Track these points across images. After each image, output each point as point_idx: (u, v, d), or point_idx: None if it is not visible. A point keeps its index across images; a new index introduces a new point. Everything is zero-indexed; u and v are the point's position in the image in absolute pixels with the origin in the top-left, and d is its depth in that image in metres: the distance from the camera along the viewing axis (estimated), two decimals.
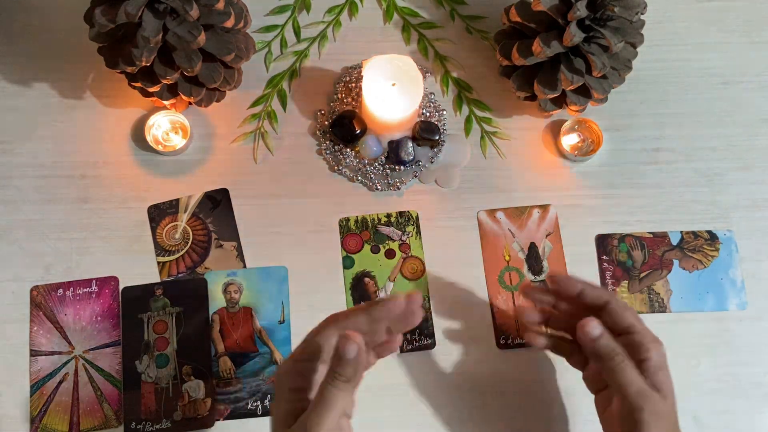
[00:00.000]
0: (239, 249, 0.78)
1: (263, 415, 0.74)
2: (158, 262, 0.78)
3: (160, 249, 0.78)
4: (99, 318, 0.76)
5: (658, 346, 0.64)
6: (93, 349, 0.75)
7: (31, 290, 0.76)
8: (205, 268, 0.78)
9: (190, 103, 0.82)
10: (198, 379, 0.74)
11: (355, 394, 0.59)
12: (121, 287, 0.77)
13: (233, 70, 0.79)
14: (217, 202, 0.80)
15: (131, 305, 0.76)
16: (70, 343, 0.75)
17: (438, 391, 0.76)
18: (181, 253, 0.78)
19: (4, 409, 0.74)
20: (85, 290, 0.76)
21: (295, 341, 0.76)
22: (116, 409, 0.74)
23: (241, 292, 0.77)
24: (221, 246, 0.78)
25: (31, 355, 0.75)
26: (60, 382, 0.74)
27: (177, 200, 0.80)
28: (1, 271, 0.77)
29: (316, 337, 0.59)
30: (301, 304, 0.77)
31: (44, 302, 0.76)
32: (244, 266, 0.78)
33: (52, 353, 0.75)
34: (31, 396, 0.74)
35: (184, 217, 0.79)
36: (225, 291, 0.77)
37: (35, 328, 0.75)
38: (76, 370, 0.75)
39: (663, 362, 0.64)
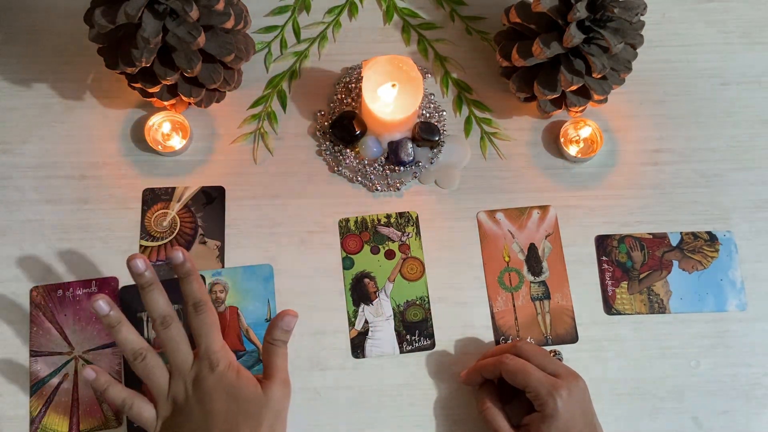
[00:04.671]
0: (221, 249, 0.78)
1: None
2: (140, 246, 0.78)
3: (145, 233, 0.78)
4: (98, 318, 0.76)
5: (554, 398, 0.67)
6: (93, 349, 0.75)
7: (31, 291, 0.76)
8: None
9: (189, 104, 0.82)
10: None
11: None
12: (119, 286, 0.77)
13: (233, 71, 0.79)
14: (212, 199, 0.80)
15: (130, 304, 0.76)
16: (69, 343, 0.75)
17: (438, 391, 0.76)
18: (165, 241, 0.78)
19: (3, 410, 0.74)
20: (84, 291, 0.76)
21: None
22: (116, 410, 0.74)
23: (227, 291, 0.77)
24: (205, 243, 0.78)
25: (31, 355, 0.75)
26: (60, 383, 0.74)
27: (173, 188, 0.80)
28: (1, 271, 0.77)
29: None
30: (301, 305, 0.77)
31: (44, 303, 0.76)
32: (222, 266, 0.78)
33: (52, 354, 0.75)
34: (30, 397, 0.74)
35: (176, 207, 0.79)
36: (210, 291, 0.77)
37: (35, 329, 0.75)
38: (75, 371, 0.75)
39: (555, 413, 0.67)
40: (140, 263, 0.66)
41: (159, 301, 0.67)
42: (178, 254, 0.66)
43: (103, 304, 0.66)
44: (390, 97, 0.77)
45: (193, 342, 0.68)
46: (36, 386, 0.74)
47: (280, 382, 0.67)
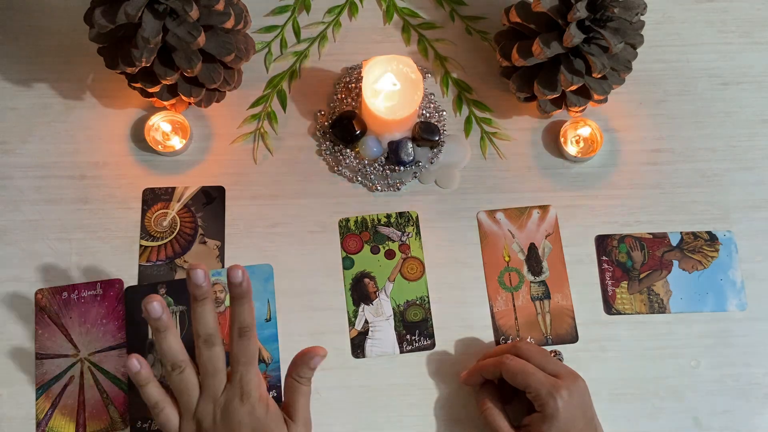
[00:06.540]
0: (221, 249, 0.78)
1: None
2: (140, 246, 0.78)
3: (145, 233, 0.78)
4: (104, 321, 0.76)
5: (555, 398, 0.67)
6: (98, 351, 0.75)
7: (36, 293, 0.76)
8: (184, 261, 0.78)
9: (189, 104, 0.82)
10: None
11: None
12: (124, 287, 0.77)
13: (233, 71, 0.79)
14: (212, 199, 0.80)
15: (135, 305, 0.76)
16: (75, 346, 0.75)
17: (438, 391, 0.76)
18: (165, 241, 0.78)
19: (9, 412, 0.74)
20: (89, 293, 0.76)
21: (283, 339, 0.76)
22: (122, 412, 0.74)
23: (226, 291, 0.77)
24: (205, 243, 0.78)
25: (37, 358, 0.75)
26: (66, 386, 0.74)
27: (173, 188, 0.80)
28: (0, 271, 0.77)
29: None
30: (300, 305, 0.77)
31: (49, 305, 0.76)
32: (222, 266, 0.78)
33: (58, 356, 0.75)
34: (36, 399, 0.74)
35: (176, 206, 0.80)
36: None
37: (40, 332, 0.75)
38: (81, 373, 0.74)
39: (555, 414, 0.67)
40: (157, 306, 0.65)
41: (208, 317, 0.66)
42: (238, 273, 0.64)
43: (157, 306, 0.64)
44: (388, 85, 0.76)
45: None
46: (42, 389, 0.74)
47: (303, 424, 0.67)
